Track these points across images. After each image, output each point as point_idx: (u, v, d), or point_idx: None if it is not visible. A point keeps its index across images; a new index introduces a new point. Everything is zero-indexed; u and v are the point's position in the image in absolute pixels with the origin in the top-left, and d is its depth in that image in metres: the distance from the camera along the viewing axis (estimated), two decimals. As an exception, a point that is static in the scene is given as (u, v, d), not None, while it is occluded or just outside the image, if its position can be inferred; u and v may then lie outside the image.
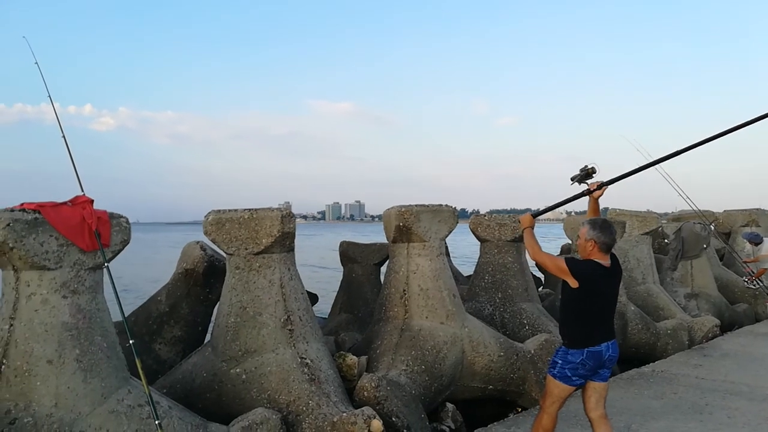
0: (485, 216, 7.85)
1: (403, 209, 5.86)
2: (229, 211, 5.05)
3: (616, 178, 4.23)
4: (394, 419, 4.67)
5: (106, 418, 3.65)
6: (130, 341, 3.60)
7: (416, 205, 5.95)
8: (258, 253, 4.95)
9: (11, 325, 3.61)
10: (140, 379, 3.68)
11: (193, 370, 4.97)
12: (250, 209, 5.02)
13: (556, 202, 4.57)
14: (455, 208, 6.22)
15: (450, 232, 6.24)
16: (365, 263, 8.72)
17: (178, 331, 6.24)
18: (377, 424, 4.23)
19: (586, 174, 4.19)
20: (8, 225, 3.55)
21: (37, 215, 3.69)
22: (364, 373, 5.18)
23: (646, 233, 9.93)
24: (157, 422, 3.35)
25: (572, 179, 4.27)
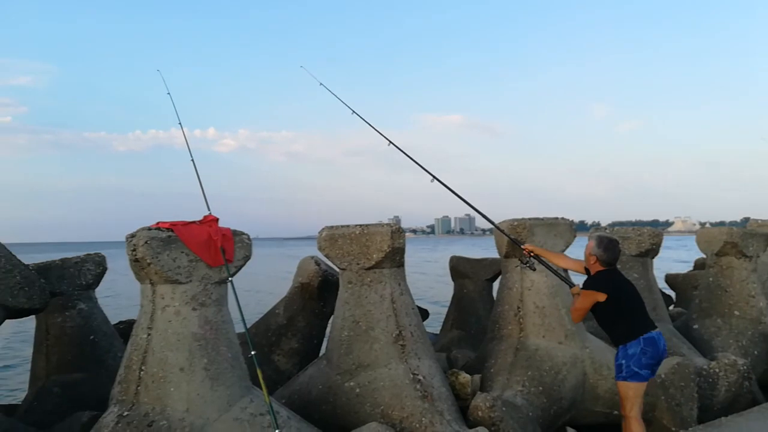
0: (607, 229, 7.42)
1: (515, 223, 5.69)
2: (342, 227, 5.17)
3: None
4: (510, 441, 4.50)
5: (231, 425, 3.85)
6: (252, 352, 3.77)
7: (530, 219, 5.74)
8: (369, 268, 5.02)
9: (149, 334, 3.93)
10: (261, 389, 3.84)
11: (309, 381, 5.12)
12: (361, 225, 5.11)
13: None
14: (572, 221, 5.93)
15: (567, 246, 5.95)
16: (476, 279, 8.57)
17: (295, 343, 6.48)
18: (493, 446, 4.09)
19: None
20: (146, 242, 3.88)
21: (170, 233, 4.01)
22: (478, 392, 5.04)
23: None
24: (277, 431, 3.46)
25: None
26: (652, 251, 7.18)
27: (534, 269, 5.16)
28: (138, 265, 3.94)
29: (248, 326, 5.10)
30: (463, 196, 5.56)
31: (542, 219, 5.78)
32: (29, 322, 6.12)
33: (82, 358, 5.82)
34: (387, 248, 4.96)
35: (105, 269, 6.41)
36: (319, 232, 5.28)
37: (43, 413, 5.28)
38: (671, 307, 9.81)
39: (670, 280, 10.65)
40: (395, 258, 5.10)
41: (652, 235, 7.18)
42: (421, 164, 5.61)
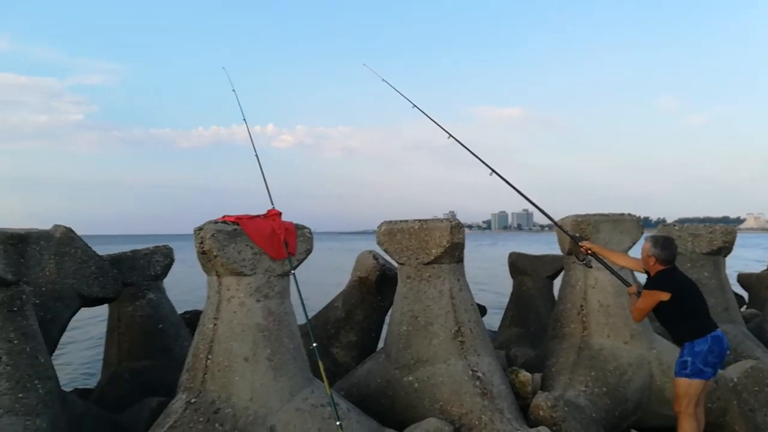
0: (675, 226, 7.10)
1: (579, 219, 5.52)
2: (401, 221, 5.17)
3: None
4: (572, 442, 4.39)
5: (293, 415, 3.93)
6: (314, 344, 3.83)
7: (594, 215, 5.57)
8: (428, 263, 5.00)
9: (215, 324, 4.06)
10: (322, 380, 3.90)
11: (368, 375, 5.16)
12: (420, 220, 5.10)
13: None
14: (639, 217, 5.71)
15: (634, 243, 5.73)
16: (536, 276, 8.40)
17: (353, 336, 6.54)
18: (555, 446, 4.00)
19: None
20: (213, 235, 4.00)
21: (236, 227, 4.12)
22: (539, 391, 4.94)
23: None
24: (338, 423, 3.51)
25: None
26: (725, 249, 6.83)
27: (590, 267, 5.10)
28: (205, 257, 4.07)
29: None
30: (521, 191, 5.43)
31: (607, 215, 5.60)
32: (103, 310, 6.43)
33: (151, 345, 6.07)
34: (446, 243, 4.93)
35: (172, 261, 6.66)
36: (378, 227, 5.29)
37: (115, 398, 5.55)
38: (744, 308, 9.31)
39: (743, 279, 10.10)
40: (454, 253, 5.06)
41: (724, 232, 6.83)
42: (479, 157, 5.54)
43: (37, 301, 4.88)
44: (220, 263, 4.04)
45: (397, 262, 5.24)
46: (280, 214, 4.37)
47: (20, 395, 3.51)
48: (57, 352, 5.18)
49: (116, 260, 6.10)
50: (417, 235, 5.05)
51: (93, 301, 5.41)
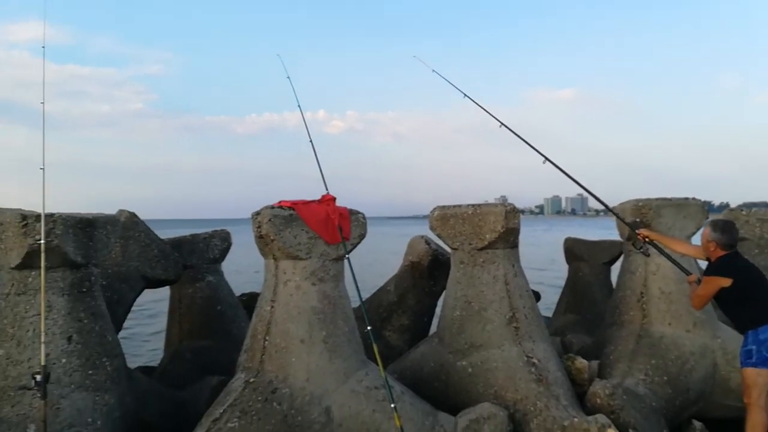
0: (743, 210, 6.76)
1: (640, 203, 5.33)
2: (454, 206, 5.13)
3: None
4: (630, 431, 4.29)
5: (348, 396, 3.99)
6: (368, 327, 3.87)
7: (656, 199, 5.37)
8: (482, 249, 4.95)
9: (272, 306, 4.16)
10: (376, 363, 3.93)
11: (421, 359, 5.18)
12: (473, 205, 5.04)
13: None
14: (704, 201, 5.47)
15: (698, 228, 5.50)
16: (593, 262, 8.19)
17: (406, 320, 6.57)
18: (613, 434, 3.92)
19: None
20: (270, 220, 4.08)
21: (291, 212, 4.19)
22: (597, 379, 4.84)
23: None
24: (393, 405, 3.54)
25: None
26: (796, 235, 6.46)
27: (648, 255, 4.92)
28: (262, 241, 4.16)
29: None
30: (576, 178, 5.24)
31: (670, 199, 5.38)
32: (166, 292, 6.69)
33: (210, 326, 6.29)
34: (501, 228, 4.86)
35: (230, 244, 6.86)
36: (431, 212, 5.27)
37: (177, 376, 5.79)
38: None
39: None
40: (509, 239, 4.99)
41: (796, 217, 6.45)
42: (533, 145, 5.38)
43: (104, 283, 5.13)
44: (277, 247, 4.13)
45: (450, 247, 5.21)
46: (334, 199, 4.41)
47: (90, 372, 3.71)
48: (122, 332, 5.43)
49: (176, 244, 6.32)
50: (471, 220, 5.00)
51: (156, 283, 5.64)
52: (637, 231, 4.93)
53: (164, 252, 5.61)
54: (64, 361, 3.59)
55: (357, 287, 4.13)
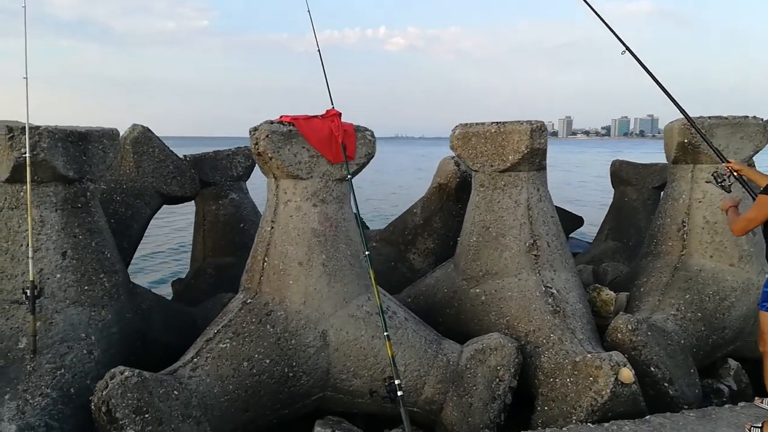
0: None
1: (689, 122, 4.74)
2: (477, 124, 4.72)
3: None
4: (652, 369, 3.99)
5: (346, 321, 3.86)
6: (366, 252, 3.66)
7: (709, 117, 4.76)
8: (504, 171, 4.58)
9: (272, 227, 3.99)
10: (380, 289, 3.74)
11: (435, 284, 4.98)
12: (497, 122, 4.61)
13: None
14: (767, 120, 4.81)
15: (756, 151, 4.89)
16: (641, 186, 7.61)
17: (431, 243, 6.35)
18: (627, 373, 3.64)
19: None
20: (267, 136, 3.83)
21: (291, 128, 3.91)
22: (621, 312, 4.51)
23: None
24: (386, 333, 3.37)
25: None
26: None
27: (729, 192, 4.04)
28: (261, 158, 3.95)
29: (383, 226, 4.91)
30: (656, 77, 4.33)
31: (725, 117, 4.76)
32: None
33: (233, 243, 6.28)
34: (525, 149, 4.45)
35: (254, 162, 6.70)
36: (452, 130, 4.89)
37: (199, 291, 5.87)
38: None
39: None
40: (534, 160, 4.57)
41: None
42: (614, 30, 4.43)
43: (118, 199, 5.12)
44: (275, 165, 3.90)
45: (472, 169, 4.86)
46: (339, 114, 4.10)
47: (86, 288, 3.70)
48: (166, 245, 5.44)
49: (198, 161, 6.23)
50: (493, 139, 4.60)
51: (172, 200, 5.59)
52: (726, 163, 3.95)
53: (180, 168, 5.52)
54: (58, 276, 3.59)
55: (357, 211, 3.90)
